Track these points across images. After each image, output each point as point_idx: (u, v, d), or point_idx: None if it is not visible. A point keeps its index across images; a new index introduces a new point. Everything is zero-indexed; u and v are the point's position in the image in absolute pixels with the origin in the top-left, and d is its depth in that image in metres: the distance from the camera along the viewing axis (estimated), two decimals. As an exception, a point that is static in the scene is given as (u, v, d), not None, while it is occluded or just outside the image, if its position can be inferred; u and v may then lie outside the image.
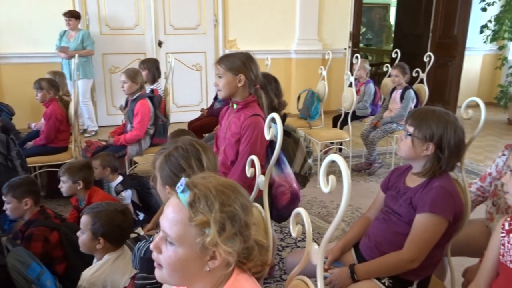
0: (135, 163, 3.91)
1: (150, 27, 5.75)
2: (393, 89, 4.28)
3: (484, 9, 6.27)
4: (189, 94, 6.09)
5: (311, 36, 6.38)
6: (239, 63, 2.06)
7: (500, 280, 1.38)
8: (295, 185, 2.14)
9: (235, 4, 5.99)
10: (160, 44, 5.84)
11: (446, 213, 1.55)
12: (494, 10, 6.30)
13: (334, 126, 4.58)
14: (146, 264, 1.39)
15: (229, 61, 2.07)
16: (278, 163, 2.11)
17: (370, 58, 10.68)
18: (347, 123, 4.22)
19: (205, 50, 6.07)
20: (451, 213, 1.56)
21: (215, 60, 2.27)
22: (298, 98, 4.60)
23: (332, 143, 4.42)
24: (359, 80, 4.67)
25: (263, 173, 1.44)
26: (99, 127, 5.63)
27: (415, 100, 4.04)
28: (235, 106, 2.14)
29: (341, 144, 4.44)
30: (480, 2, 6.28)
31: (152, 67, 3.96)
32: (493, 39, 6.42)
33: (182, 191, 0.94)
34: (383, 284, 1.63)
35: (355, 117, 4.56)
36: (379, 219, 1.75)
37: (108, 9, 5.56)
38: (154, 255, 0.98)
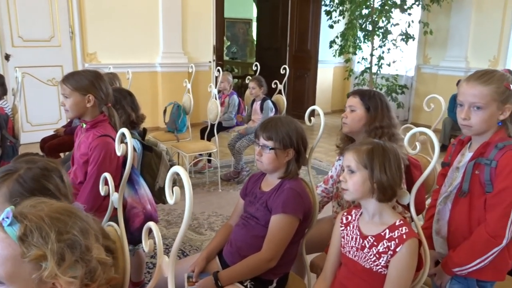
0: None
1: (-6, 39, 5.18)
2: (253, 101, 4.52)
3: (331, 26, 6.97)
4: (45, 111, 5.59)
5: (176, 49, 6.39)
6: (86, 82, 1.97)
7: (342, 269, 1.55)
8: (149, 206, 2.12)
9: (93, 15, 5.71)
10: (7, 57, 5.27)
11: (297, 212, 1.69)
12: (340, 27, 7.05)
13: (202, 138, 4.64)
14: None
15: (75, 80, 1.97)
16: (132, 184, 2.07)
17: (236, 71, 11.10)
18: (214, 135, 4.31)
19: (62, 64, 5.64)
20: (301, 211, 1.71)
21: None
22: (164, 111, 4.57)
23: (200, 154, 4.47)
24: (223, 92, 4.81)
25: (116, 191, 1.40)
26: None
27: (273, 110, 4.32)
28: (84, 125, 2.05)
29: (209, 155, 4.52)
30: (328, 20, 6.98)
31: (-4, 83, 3.56)
32: (340, 53, 7.16)
33: (10, 224, 0.85)
34: (245, 286, 1.70)
35: (222, 128, 4.69)
36: (239, 225, 1.83)
37: None
38: None
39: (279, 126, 1.72)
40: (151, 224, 1.09)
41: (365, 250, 1.45)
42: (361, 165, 1.44)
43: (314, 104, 7.45)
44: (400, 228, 1.41)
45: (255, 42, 9.76)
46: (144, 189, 2.17)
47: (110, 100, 2.08)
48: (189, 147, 4.14)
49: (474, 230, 1.57)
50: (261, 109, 4.35)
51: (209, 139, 4.52)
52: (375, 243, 1.43)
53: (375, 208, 1.47)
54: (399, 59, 6.95)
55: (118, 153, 1.36)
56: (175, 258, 1.02)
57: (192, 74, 4.57)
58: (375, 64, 6.80)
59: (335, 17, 6.88)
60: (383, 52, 6.74)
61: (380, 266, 1.42)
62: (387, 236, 1.42)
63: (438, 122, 2.43)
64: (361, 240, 1.47)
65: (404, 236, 1.39)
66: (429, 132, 1.44)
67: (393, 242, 1.40)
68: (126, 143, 1.39)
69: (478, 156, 1.55)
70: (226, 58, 10.59)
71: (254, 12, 10.77)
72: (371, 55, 6.80)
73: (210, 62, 6.75)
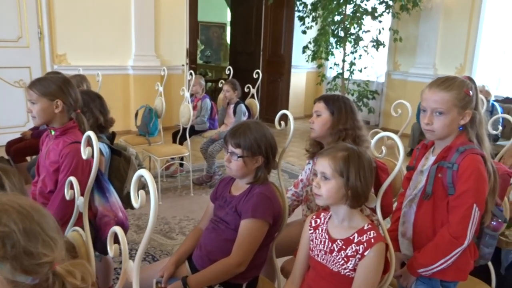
0: None
1: (-42, 38, 5.01)
2: (227, 104, 4.52)
3: (304, 32, 7.04)
4: (12, 113, 5.42)
5: (148, 52, 6.33)
6: (54, 88, 1.92)
7: (311, 272, 1.56)
8: (120, 214, 2.08)
9: (62, 16, 5.59)
10: (-28, 58, 5.12)
11: (266, 216, 1.69)
12: (313, 33, 7.14)
13: (174, 141, 4.61)
14: None
15: (42, 86, 1.92)
16: (103, 191, 2.03)
17: (209, 74, 11.07)
18: (186, 138, 4.28)
19: (30, 65, 5.50)
20: (270, 216, 1.71)
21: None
22: (136, 114, 4.51)
23: (172, 158, 4.43)
24: (196, 95, 4.79)
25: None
26: None
27: (246, 114, 4.33)
28: (53, 132, 1.99)
29: (181, 159, 4.48)
30: (301, 25, 7.05)
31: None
32: (313, 58, 7.25)
33: None
34: (215, 291, 1.69)
35: (195, 131, 4.66)
36: (209, 229, 1.82)
37: None
38: None
39: (248, 133, 1.72)
40: (116, 228, 1.07)
41: (334, 254, 1.47)
42: (337, 173, 1.43)
43: (287, 108, 7.51)
44: (369, 232, 1.43)
45: (229, 46, 9.76)
46: (115, 196, 2.13)
47: (79, 106, 2.03)
48: (160, 150, 4.10)
49: (438, 231, 1.61)
50: (234, 113, 4.36)
51: (181, 143, 4.48)
52: (343, 247, 1.45)
53: (346, 213, 1.48)
54: (370, 65, 7.09)
55: (84, 156, 1.33)
56: (140, 262, 1.01)
57: (165, 77, 4.53)
58: (347, 70, 6.90)
59: (308, 23, 6.96)
60: (354, 58, 6.85)
61: (348, 270, 1.44)
62: (355, 240, 1.44)
63: (405, 127, 2.49)
64: (329, 244, 1.49)
65: (372, 240, 1.41)
66: (395, 136, 1.48)
67: (361, 246, 1.42)
68: (93, 147, 1.37)
69: (441, 160, 1.60)
70: (200, 61, 10.56)
71: (228, 16, 10.78)
72: (343, 61, 6.91)
73: (183, 65, 6.72)
